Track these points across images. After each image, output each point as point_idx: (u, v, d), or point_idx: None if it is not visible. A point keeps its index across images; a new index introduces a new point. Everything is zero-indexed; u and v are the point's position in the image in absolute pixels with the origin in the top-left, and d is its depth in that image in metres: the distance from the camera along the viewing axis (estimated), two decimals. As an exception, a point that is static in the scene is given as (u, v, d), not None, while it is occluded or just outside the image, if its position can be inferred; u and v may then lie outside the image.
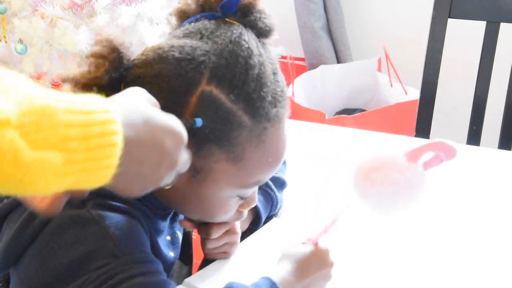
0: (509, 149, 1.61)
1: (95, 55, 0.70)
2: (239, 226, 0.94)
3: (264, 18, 0.75)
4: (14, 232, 0.72)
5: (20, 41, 1.66)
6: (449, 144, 0.72)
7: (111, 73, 0.69)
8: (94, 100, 0.51)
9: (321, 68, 2.39)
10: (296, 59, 2.46)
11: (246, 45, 0.71)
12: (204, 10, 0.76)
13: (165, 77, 0.69)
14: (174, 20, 0.79)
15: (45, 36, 1.61)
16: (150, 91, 0.68)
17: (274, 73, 0.74)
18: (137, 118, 0.56)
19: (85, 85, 0.69)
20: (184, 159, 0.62)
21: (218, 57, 0.69)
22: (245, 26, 0.74)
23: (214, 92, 0.69)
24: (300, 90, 2.31)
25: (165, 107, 0.68)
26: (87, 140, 0.49)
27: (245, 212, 0.84)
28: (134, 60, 0.71)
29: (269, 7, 0.76)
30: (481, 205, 1.13)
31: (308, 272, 0.82)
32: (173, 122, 0.59)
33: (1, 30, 1.69)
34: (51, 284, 0.69)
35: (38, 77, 1.75)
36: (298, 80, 2.32)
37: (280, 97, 0.73)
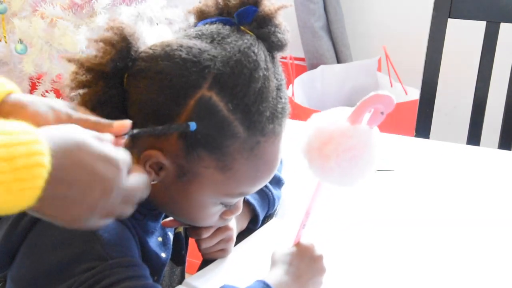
0: (509, 149, 1.61)
1: (104, 41, 0.69)
2: (234, 221, 0.94)
3: (279, 32, 0.74)
4: (6, 231, 0.72)
5: (20, 41, 1.66)
6: (384, 94, 0.72)
7: (116, 62, 0.68)
8: (17, 124, 0.51)
9: (321, 68, 2.39)
10: (296, 59, 2.46)
11: (254, 57, 0.70)
12: (222, 14, 0.75)
13: (168, 75, 0.68)
14: (192, 18, 0.78)
15: (45, 36, 1.61)
16: (151, 87, 0.68)
17: (278, 89, 0.73)
18: (69, 143, 0.54)
19: (89, 69, 0.68)
20: (135, 184, 0.60)
21: (224, 64, 0.69)
22: (258, 37, 0.73)
23: (214, 99, 0.68)
24: (300, 90, 2.31)
25: (162, 105, 0.68)
26: (12, 161, 0.48)
27: (229, 219, 0.83)
28: (141, 52, 0.71)
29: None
30: (481, 205, 1.13)
31: (300, 271, 0.82)
32: (110, 150, 0.58)
33: (1, 30, 1.69)
34: (41, 285, 0.69)
35: (38, 77, 1.75)
36: (298, 80, 2.32)
37: (279, 114, 0.72)
